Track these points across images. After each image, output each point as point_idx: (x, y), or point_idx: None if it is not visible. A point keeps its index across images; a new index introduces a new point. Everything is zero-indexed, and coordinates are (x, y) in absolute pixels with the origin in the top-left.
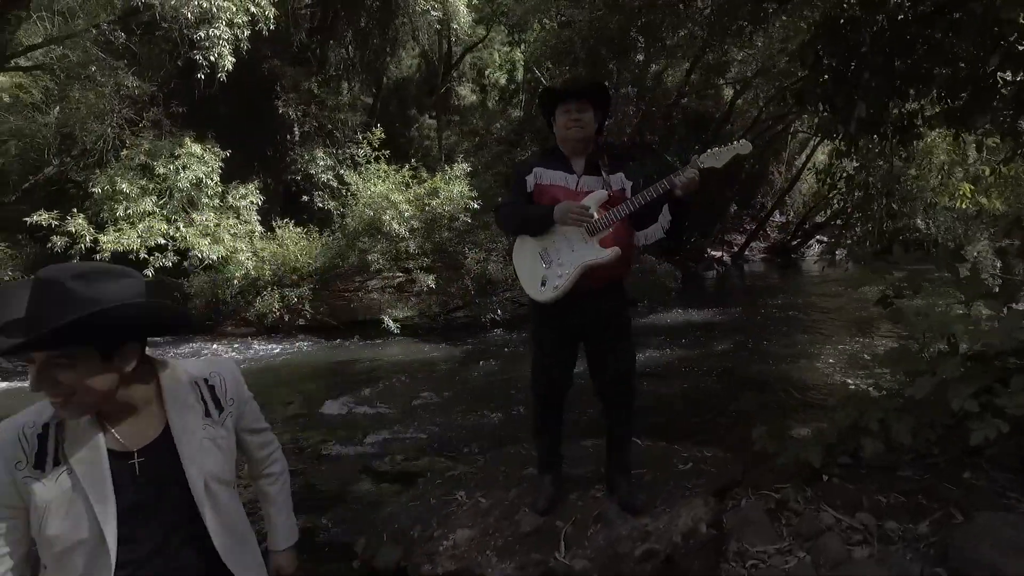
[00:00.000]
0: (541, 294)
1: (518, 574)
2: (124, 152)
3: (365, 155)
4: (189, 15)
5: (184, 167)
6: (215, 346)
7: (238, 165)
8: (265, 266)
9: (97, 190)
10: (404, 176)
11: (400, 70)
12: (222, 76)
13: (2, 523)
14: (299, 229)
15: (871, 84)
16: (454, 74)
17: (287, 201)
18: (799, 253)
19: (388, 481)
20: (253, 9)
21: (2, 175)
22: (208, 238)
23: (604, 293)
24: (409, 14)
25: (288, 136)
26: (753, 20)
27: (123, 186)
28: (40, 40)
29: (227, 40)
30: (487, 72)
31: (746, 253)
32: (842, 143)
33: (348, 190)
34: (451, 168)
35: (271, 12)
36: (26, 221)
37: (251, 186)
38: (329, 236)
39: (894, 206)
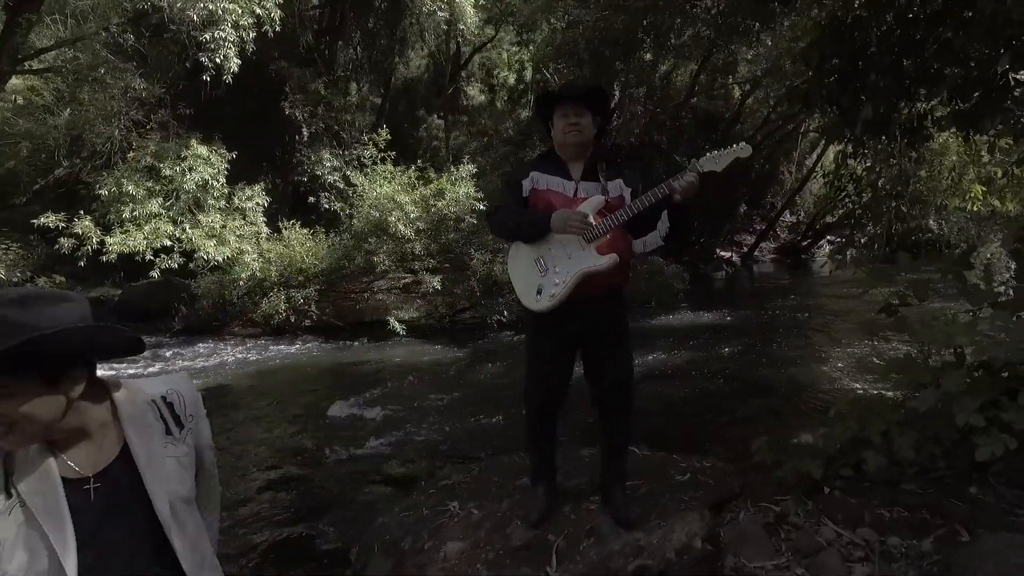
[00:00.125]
0: (537, 303)
1: None
2: (131, 154)
3: (371, 156)
4: (195, 17)
5: (190, 169)
6: (221, 347)
7: (245, 166)
8: (271, 267)
9: (104, 192)
10: (410, 177)
11: (409, 70)
12: (227, 78)
13: None
14: (305, 230)
15: (879, 85)
16: (463, 74)
17: (295, 202)
18: (809, 254)
19: (389, 486)
20: (258, 11)
21: (13, 177)
22: (214, 239)
23: (602, 301)
24: (416, 15)
25: (297, 137)
26: (760, 19)
27: (129, 188)
28: (52, 43)
29: (232, 42)
30: (496, 72)
31: (756, 253)
32: (848, 145)
33: (354, 191)
34: (457, 169)
35: (276, 14)
36: (34, 223)
37: (257, 187)
38: (335, 237)
39: (903, 208)
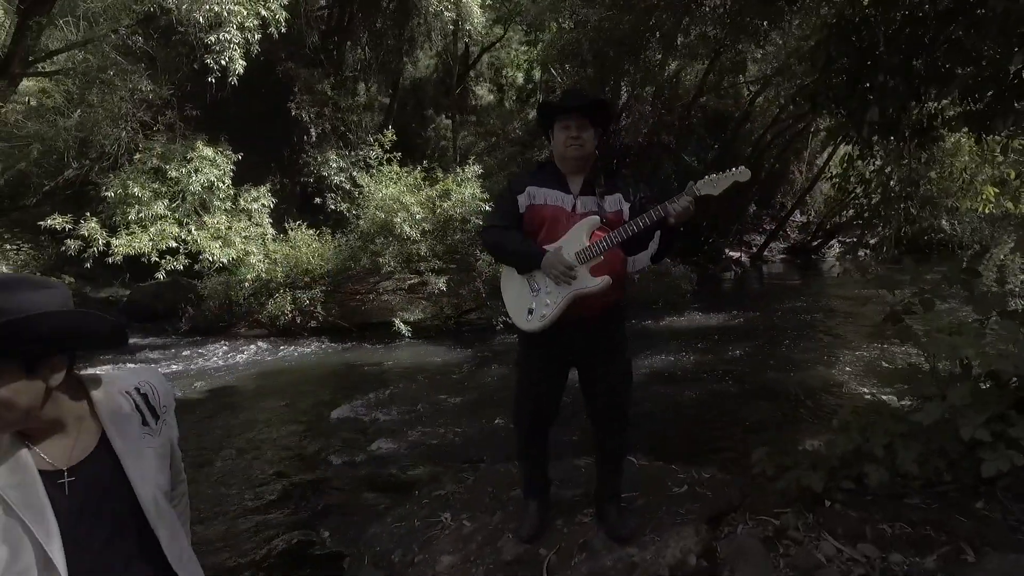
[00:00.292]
0: (528, 324)
1: None
2: (137, 156)
3: (377, 157)
4: (201, 19)
5: (196, 170)
6: (227, 347)
7: (252, 167)
8: (277, 268)
9: (110, 194)
10: (416, 178)
11: (417, 70)
12: (233, 80)
13: None
14: (312, 231)
15: (887, 85)
16: (471, 74)
17: (302, 203)
18: (820, 254)
19: (389, 492)
20: (264, 13)
21: (24, 178)
22: (219, 241)
23: (596, 321)
24: (423, 15)
25: (304, 138)
26: (768, 18)
27: (135, 190)
28: (63, 45)
29: (238, 44)
30: (504, 72)
31: (765, 254)
32: (856, 147)
33: (360, 192)
34: (463, 170)
35: (282, 15)
36: (41, 224)
37: (263, 188)
38: (342, 238)
39: (913, 210)
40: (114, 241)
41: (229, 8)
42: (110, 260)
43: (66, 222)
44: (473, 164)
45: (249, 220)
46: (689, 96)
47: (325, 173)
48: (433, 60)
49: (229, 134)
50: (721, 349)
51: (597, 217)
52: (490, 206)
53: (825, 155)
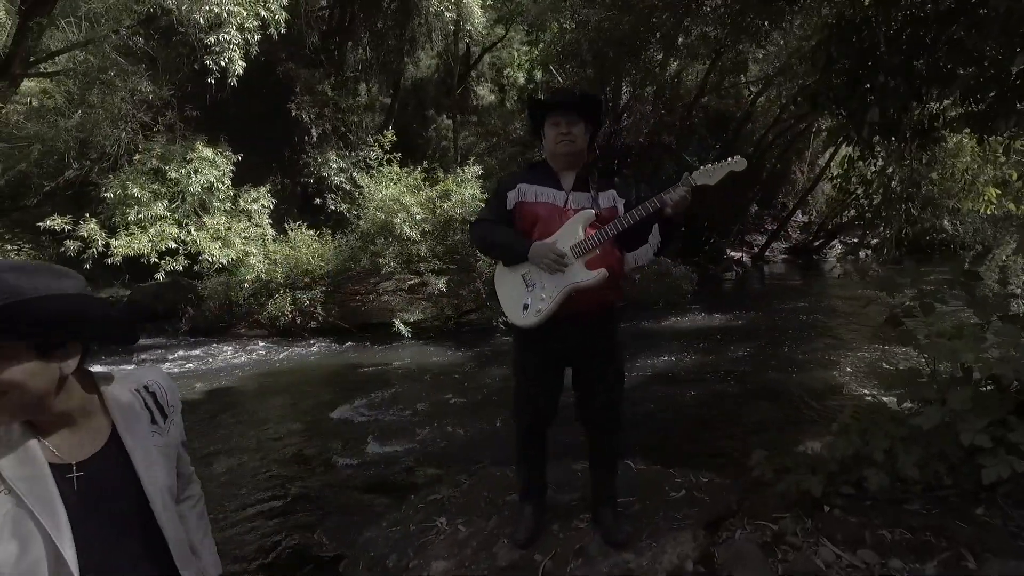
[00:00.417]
0: (523, 319)
1: None
2: (136, 156)
3: (377, 157)
4: (201, 20)
5: (196, 171)
6: (227, 348)
7: (252, 168)
8: (277, 269)
9: (109, 195)
10: (416, 178)
11: (418, 70)
12: (232, 80)
13: None
14: (312, 232)
15: (888, 86)
16: (473, 74)
17: (303, 203)
18: (821, 254)
19: (386, 493)
20: (264, 13)
21: (25, 179)
22: (219, 242)
23: (592, 318)
24: (424, 15)
25: (304, 138)
26: (769, 18)
27: (134, 190)
28: (64, 46)
29: (237, 44)
30: (506, 72)
31: (767, 254)
32: (856, 147)
33: (360, 193)
34: (463, 171)
35: (282, 16)
36: (40, 225)
37: (263, 189)
38: (342, 239)
39: (914, 211)
40: (113, 242)
41: (229, 9)
42: (109, 261)
43: (65, 223)
44: (473, 164)
45: (249, 221)
46: (690, 96)
47: (325, 174)
48: (434, 60)
49: (229, 135)
50: (722, 350)
51: (592, 211)
52: None
53: (827, 155)
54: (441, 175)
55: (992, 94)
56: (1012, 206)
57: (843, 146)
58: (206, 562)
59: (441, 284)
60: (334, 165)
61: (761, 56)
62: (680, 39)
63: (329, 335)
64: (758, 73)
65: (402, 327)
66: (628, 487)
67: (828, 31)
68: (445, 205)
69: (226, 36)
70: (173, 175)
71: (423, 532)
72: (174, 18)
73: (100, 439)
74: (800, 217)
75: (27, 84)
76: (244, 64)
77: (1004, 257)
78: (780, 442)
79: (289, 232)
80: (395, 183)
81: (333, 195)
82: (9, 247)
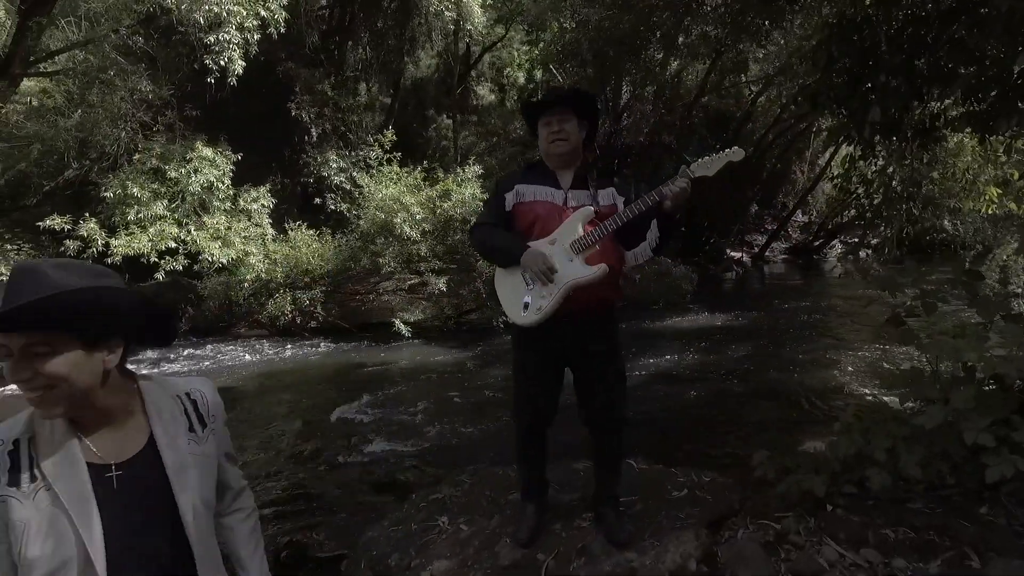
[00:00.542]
0: (524, 318)
1: None
2: (136, 156)
3: (377, 157)
4: (201, 20)
5: (196, 171)
6: (227, 347)
7: (252, 167)
8: (277, 268)
9: (109, 194)
10: (416, 178)
11: (419, 70)
12: (232, 80)
13: None
14: (312, 231)
15: (889, 85)
16: (473, 74)
17: (302, 203)
18: (821, 254)
19: (388, 494)
20: (264, 13)
21: (25, 178)
22: (219, 241)
23: (592, 316)
24: (424, 15)
25: (304, 138)
26: (769, 17)
27: (134, 190)
28: (63, 45)
29: (237, 44)
30: (506, 71)
31: (767, 254)
32: (857, 147)
33: (360, 192)
34: (463, 171)
35: (281, 16)
36: (39, 225)
37: (263, 189)
38: (342, 238)
39: (915, 211)
40: (113, 241)
41: (229, 8)
42: (109, 260)
43: (65, 222)
44: (473, 164)
45: (249, 220)
46: (690, 96)
47: (325, 173)
48: (434, 60)
49: (229, 134)
50: (723, 349)
51: (591, 208)
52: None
53: (827, 155)
54: (441, 175)
55: (994, 93)
56: (1013, 206)
57: (843, 146)
58: None
59: (441, 284)
60: (334, 165)
61: (761, 56)
62: (680, 38)
63: (329, 335)
64: (758, 73)
65: (402, 327)
66: (630, 486)
67: (829, 30)
68: (445, 205)
69: (226, 36)
70: (173, 174)
71: (425, 531)
72: (174, 18)
73: (140, 441)
74: (800, 217)
75: (26, 84)
76: (244, 63)
77: (1004, 257)
78: (782, 442)
79: (289, 232)
80: (395, 183)
81: (333, 195)
82: (9, 247)
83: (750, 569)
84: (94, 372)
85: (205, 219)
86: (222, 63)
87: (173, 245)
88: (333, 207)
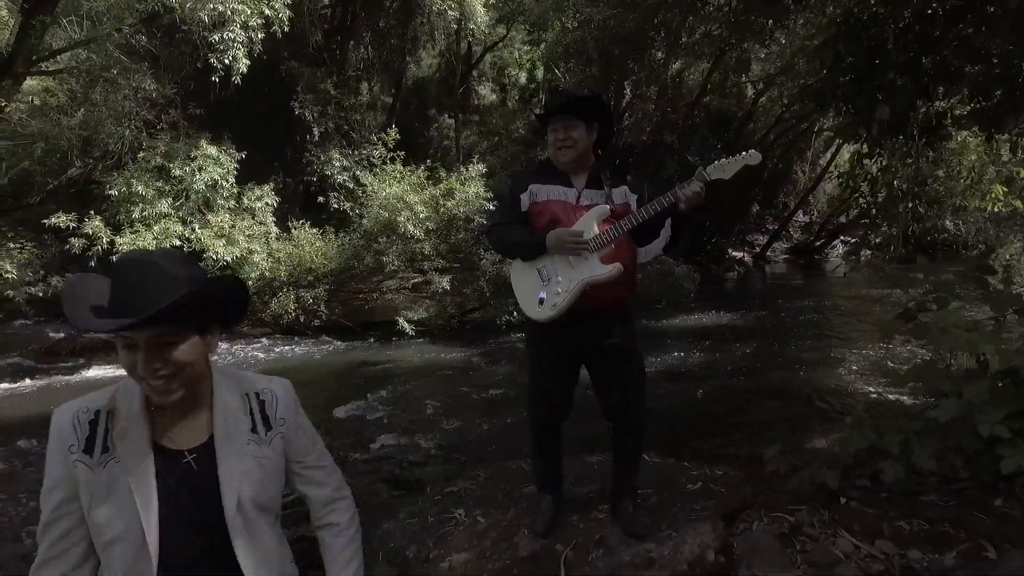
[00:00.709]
0: (539, 313)
1: None
2: (141, 154)
3: (380, 156)
4: (205, 18)
5: (200, 169)
6: (231, 346)
7: (255, 166)
8: (280, 267)
9: (114, 192)
10: (419, 177)
11: (420, 70)
12: (236, 79)
13: (63, 520)
14: (315, 230)
15: (895, 84)
16: (474, 74)
17: (305, 202)
18: (823, 254)
19: (396, 490)
20: (268, 12)
21: (28, 177)
22: (223, 239)
23: (606, 314)
24: (427, 14)
25: (307, 137)
26: (773, 17)
27: (139, 188)
28: (66, 44)
29: (241, 43)
30: (507, 71)
31: (768, 254)
32: (864, 145)
33: (364, 191)
34: (467, 169)
35: (285, 15)
36: (45, 223)
37: (267, 187)
38: (345, 237)
39: (920, 209)
40: (118, 239)
41: (233, 7)
42: (114, 259)
43: (70, 220)
44: (477, 163)
45: (253, 219)
46: (692, 96)
47: (328, 172)
48: (436, 60)
49: (232, 133)
50: (727, 348)
51: (607, 207)
52: (493, 205)
53: (828, 155)
54: (443, 175)
55: (1000, 92)
56: (1019, 203)
57: (844, 146)
58: None
59: (445, 282)
60: (337, 163)
61: (763, 55)
62: (684, 37)
63: (333, 333)
64: (760, 72)
65: (406, 325)
66: (645, 480)
67: (835, 28)
68: (449, 204)
69: (230, 34)
70: (177, 173)
71: (441, 524)
72: (176, 16)
73: (206, 432)
74: (801, 217)
75: (29, 83)
76: (248, 62)
77: (1008, 256)
78: (789, 439)
79: (292, 230)
80: (399, 181)
81: (336, 193)
82: (12, 245)
83: (766, 560)
84: (204, 357)
85: (209, 217)
86: (226, 62)
87: (178, 243)
88: (336, 206)
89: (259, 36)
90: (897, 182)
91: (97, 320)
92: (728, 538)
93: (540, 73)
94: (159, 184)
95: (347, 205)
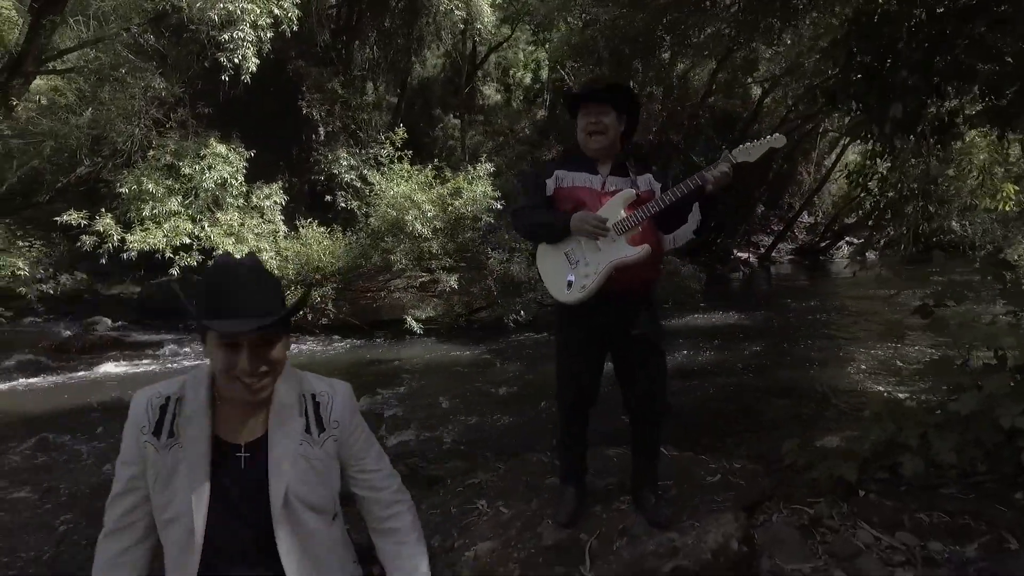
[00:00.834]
0: (568, 295)
1: None
2: (151, 153)
3: (388, 155)
4: (215, 18)
5: (209, 167)
6: None
7: (263, 165)
8: (288, 265)
9: (124, 190)
10: (427, 176)
11: (425, 70)
12: (246, 78)
13: (130, 494)
14: (323, 229)
15: (908, 82)
16: (479, 74)
17: (312, 201)
18: (828, 255)
19: (417, 482)
20: (277, 11)
21: (37, 175)
22: (232, 238)
23: (634, 297)
24: (433, 14)
25: (314, 136)
26: (783, 17)
27: (149, 186)
28: (74, 44)
29: (251, 42)
30: (512, 71)
31: (773, 255)
32: (876, 144)
33: (371, 190)
34: (474, 168)
35: (294, 14)
36: (56, 220)
37: (275, 186)
38: (352, 236)
39: (930, 208)
40: (129, 237)
41: (243, 6)
42: (125, 256)
43: (82, 218)
44: (485, 162)
45: (261, 217)
46: (697, 96)
47: (336, 171)
48: (440, 60)
49: (240, 131)
50: (735, 347)
51: (632, 191)
52: (502, 204)
53: (833, 156)
54: (448, 174)
55: (1013, 90)
56: None
57: (850, 147)
58: None
59: (452, 281)
60: (344, 162)
61: (768, 56)
62: (693, 37)
63: (340, 332)
64: (765, 73)
65: (414, 324)
66: (664, 472)
67: (848, 27)
68: (456, 203)
69: (240, 34)
70: (187, 171)
71: (464, 515)
72: (184, 16)
73: (261, 431)
74: (806, 218)
75: (37, 82)
76: (257, 61)
77: (1016, 256)
78: (802, 437)
79: (300, 229)
80: (406, 180)
81: (344, 192)
82: (21, 243)
83: (787, 551)
84: (286, 356)
85: (219, 215)
86: (236, 61)
87: (187, 241)
88: (344, 205)
89: (268, 35)
90: (906, 181)
91: (228, 321)
92: (749, 529)
93: (544, 73)
94: (169, 182)
95: (354, 204)
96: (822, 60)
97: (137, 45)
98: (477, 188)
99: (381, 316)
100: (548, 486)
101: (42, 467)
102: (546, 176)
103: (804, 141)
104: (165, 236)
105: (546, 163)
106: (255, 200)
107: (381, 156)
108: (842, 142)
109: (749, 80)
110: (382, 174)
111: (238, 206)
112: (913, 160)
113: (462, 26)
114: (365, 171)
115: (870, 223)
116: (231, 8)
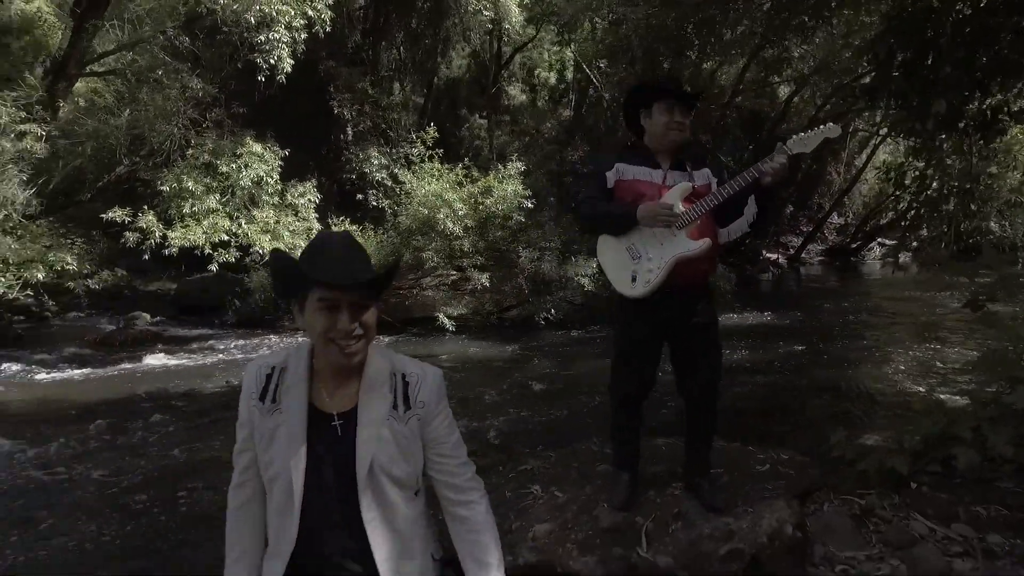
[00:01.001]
0: (633, 289)
1: (601, 568)
2: (190, 151)
3: (419, 154)
4: (251, 19)
5: (246, 166)
6: (273, 340)
7: (295, 164)
8: None
9: (165, 188)
10: (458, 175)
11: (451, 70)
12: (281, 78)
13: (247, 452)
14: (354, 227)
15: (950, 78)
16: (504, 74)
17: (341, 200)
18: (859, 256)
19: None
20: (310, 12)
21: (80, 175)
22: (268, 235)
23: (694, 290)
24: (460, 15)
25: (343, 135)
26: (815, 14)
27: (189, 184)
28: (112, 47)
29: (286, 43)
30: (537, 72)
31: (803, 255)
32: (917, 141)
33: (402, 189)
34: (504, 167)
35: (327, 15)
36: (102, 218)
37: (309, 184)
38: (383, 234)
39: (972, 206)
40: (170, 233)
41: (278, 8)
42: (166, 252)
43: (125, 215)
44: (516, 161)
45: (296, 215)
46: (725, 96)
47: (367, 170)
48: (466, 60)
49: (274, 131)
50: (769, 347)
51: (689, 184)
52: (533, 202)
53: (864, 156)
54: (476, 174)
55: None
56: None
57: (881, 147)
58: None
59: (484, 279)
60: (375, 161)
61: (797, 55)
62: (726, 35)
63: None
64: (792, 73)
65: (446, 321)
66: (715, 461)
67: (888, 23)
68: (487, 201)
69: (275, 35)
70: (224, 169)
71: (519, 499)
72: (218, 18)
73: (352, 403)
74: (836, 219)
75: (76, 85)
76: (292, 62)
77: None
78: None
79: (332, 227)
80: (437, 179)
81: (375, 191)
82: (64, 240)
83: (840, 539)
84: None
85: (255, 213)
86: (272, 62)
87: (225, 238)
88: (375, 203)
89: (302, 36)
90: (947, 179)
91: (338, 275)
92: (802, 516)
93: (569, 74)
94: (207, 180)
95: (385, 203)
96: (856, 57)
97: (172, 47)
98: (508, 187)
99: (412, 314)
100: (600, 473)
101: (109, 451)
102: (606, 168)
103: (833, 141)
104: (204, 233)
105: (605, 157)
106: (289, 198)
107: (412, 155)
108: (873, 142)
109: (777, 80)
110: (413, 173)
111: (273, 204)
112: (953, 157)
113: (490, 26)
114: (396, 170)
115: (904, 223)
116: (267, 10)
